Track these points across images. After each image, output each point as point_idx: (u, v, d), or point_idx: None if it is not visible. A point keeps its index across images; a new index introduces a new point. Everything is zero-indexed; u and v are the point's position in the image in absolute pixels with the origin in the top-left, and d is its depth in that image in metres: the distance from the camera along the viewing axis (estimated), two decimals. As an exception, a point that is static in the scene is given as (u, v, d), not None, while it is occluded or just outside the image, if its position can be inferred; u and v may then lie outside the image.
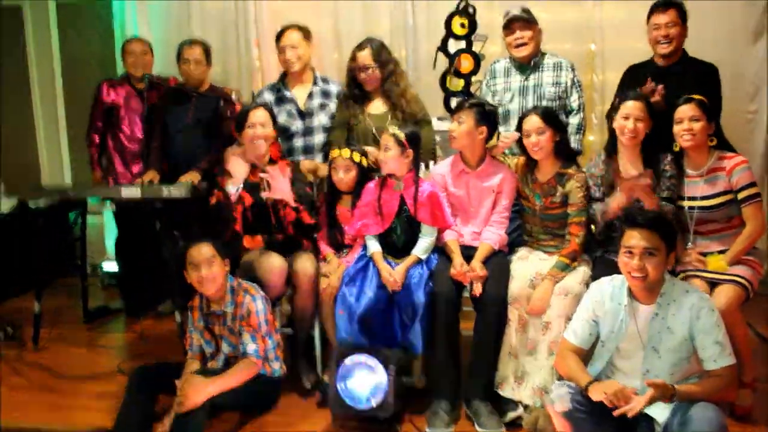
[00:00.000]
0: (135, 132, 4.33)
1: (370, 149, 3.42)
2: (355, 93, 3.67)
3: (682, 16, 3.39)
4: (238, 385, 2.76)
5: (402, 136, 3.11)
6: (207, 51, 4.20)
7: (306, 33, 3.88)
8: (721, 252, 2.93)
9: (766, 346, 3.52)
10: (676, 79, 3.33)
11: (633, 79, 3.46)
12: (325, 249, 3.33)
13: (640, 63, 3.60)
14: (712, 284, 2.81)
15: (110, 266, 5.10)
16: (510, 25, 3.55)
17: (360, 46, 3.64)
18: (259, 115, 3.34)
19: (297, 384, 3.21)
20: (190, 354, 3.03)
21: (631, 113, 2.97)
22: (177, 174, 4.07)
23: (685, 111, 2.93)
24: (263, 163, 3.37)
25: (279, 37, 3.86)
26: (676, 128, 2.96)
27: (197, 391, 2.65)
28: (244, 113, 3.39)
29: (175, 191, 3.60)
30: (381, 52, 3.62)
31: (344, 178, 3.28)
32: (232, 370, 2.79)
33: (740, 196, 2.90)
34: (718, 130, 2.99)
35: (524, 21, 3.52)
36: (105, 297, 4.85)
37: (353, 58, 3.63)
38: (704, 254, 2.95)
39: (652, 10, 3.42)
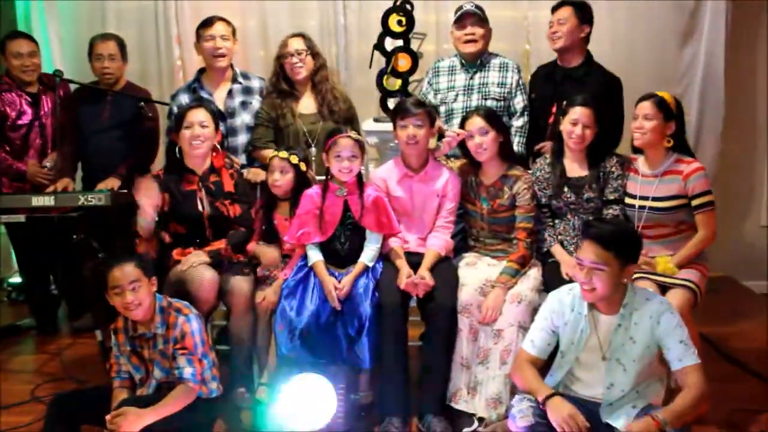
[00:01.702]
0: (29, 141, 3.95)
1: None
2: (283, 88, 3.51)
3: (580, 15, 3.44)
4: (172, 413, 2.53)
5: (362, 139, 3.06)
6: (122, 46, 3.90)
7: (234, 29, 3.70)
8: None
9: (708, 346, 3.54)
10: (576, 83, 3.39)
11: (539, 80, 3.57)
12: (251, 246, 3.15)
13: (545, 64, 3.67)
14: (663, 288, 2.79)
15: (18, 280, 4.71)
16: (462, 19, 3.46)
17: (292, 35, 3.54)
18: (197, 114, 3.09)
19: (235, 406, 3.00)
20: (118, 382, 2.73)
21: (579, 119, 2.93)
22: (93, 180, 3.78)
23: (641, 107, 2.90)
24: (202, 169, 3.15)
25: (206, 25, 3.61)
26: (633, 123, 2.93)
27: (131, 423, 2.40)
28: (181, 113, 3.13)
29: (93, 199, 3.31)
30: (313, 44, 3.55)
31: (279, 180, 3.10)
32: (169, 398, 2.54)
33: (695, 202, 2.87)
34: (680, 132, 2.95)
35: (477, 17, 3.45)
36: (13, 314, 4.44)
37: (284, 45, 3.50)
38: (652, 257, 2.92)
39: (552, 11, 3.52)
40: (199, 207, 3.11)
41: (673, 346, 2.29)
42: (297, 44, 3.48)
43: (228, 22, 3.67)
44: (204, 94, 3.63)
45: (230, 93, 3.65)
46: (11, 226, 4.04)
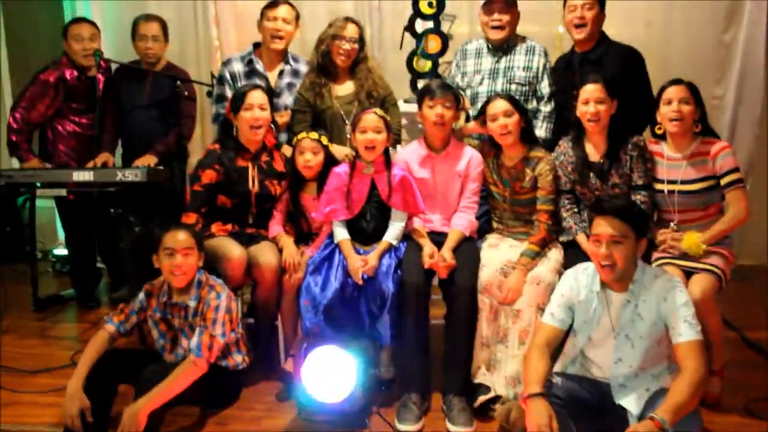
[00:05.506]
0: (83, 117, 4.05)
1: (342, 151, 3.33)
2: (326, 66, 3.49)
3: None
4: (182, 390, 2.58)
5: (387, 117, 3.05)
6: (164, 27, 4.02)
7: (297, 14, 3.71)
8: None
9: (732, 332, 3.52)
10: (594, 64, 3.30)
11: (559, 70, 3.47)
12: (276, 229, 3.19)
13: (563, 55, 3.57)
14: (688, 274, 2.77)
15: (62, 252, 4.90)
16: (490, 4, 3.42)
17: (350, 19, 3.50)
18: (257, 97, 3.15)
19: (260, 376, 3.09)
20: (108, 326, 2.77)
21: (590, 97, 2.90)
22: (132, 157, 3.91)
23: (675, 92, 2.85)
24: (255, 147, 3.22)
25: (272, 6, 3.63)
26: (664, 110, 2.88)
27: (134, 416, 2.42)
28: (241, 94, 3.18)
29: (130, 175, 3.43)
30: (363, 34, 3.53)
31: (312, 160, 3.14)
32: (171, 377, 2.57)
33: (724, 180, 2.84)
34: (703, 115, 2.92)
35: (505, 3, 3.39)
36: (57, 284, 4.63)
37: (342, 27, 3.45)
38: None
39: None
40: (250, 184, 3.19)
41: (676, 323, 2.29)
42: (353, 31, 3.45)
43: (293, 7, 3.67)
44: (258, 67, 3.67)
45: (281, 73, 3.69)
46: (59, 200, 4.20)
